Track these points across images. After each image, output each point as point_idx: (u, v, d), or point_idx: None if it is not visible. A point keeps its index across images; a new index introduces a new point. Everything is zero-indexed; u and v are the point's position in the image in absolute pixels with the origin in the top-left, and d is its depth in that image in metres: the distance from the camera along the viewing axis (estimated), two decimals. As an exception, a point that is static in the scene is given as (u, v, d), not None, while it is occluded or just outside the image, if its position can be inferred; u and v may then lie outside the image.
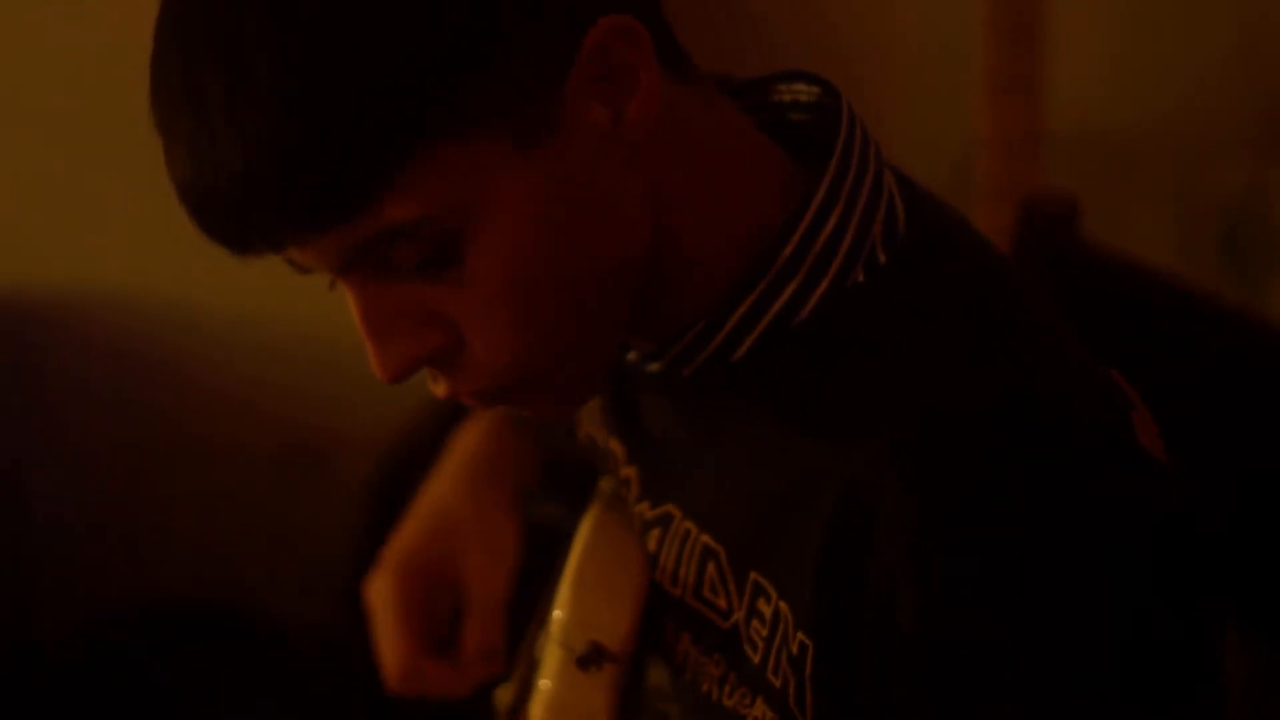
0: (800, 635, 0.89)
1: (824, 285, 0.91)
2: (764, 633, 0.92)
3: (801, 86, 0.99)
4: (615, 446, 1.06)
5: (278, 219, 0.83)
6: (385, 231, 0.83)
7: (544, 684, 1.02)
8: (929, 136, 2.05)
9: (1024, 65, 1.84)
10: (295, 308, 2.28)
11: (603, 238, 0.89)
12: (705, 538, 0.96)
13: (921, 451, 0.85)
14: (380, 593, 1.15)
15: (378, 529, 1.21)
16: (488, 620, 1.15)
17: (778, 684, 0.90)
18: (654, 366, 0.97)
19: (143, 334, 2.30)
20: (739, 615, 0.94)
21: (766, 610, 0.91)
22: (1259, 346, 1.37)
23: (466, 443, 1.21)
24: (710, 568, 0.95)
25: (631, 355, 1.00)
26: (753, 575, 0.92)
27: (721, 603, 0.95)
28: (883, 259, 0.92)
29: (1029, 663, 0.83)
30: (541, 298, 0.87)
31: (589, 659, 0.99)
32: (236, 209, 0.83)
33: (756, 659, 0.92)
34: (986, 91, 1.86)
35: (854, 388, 0.89)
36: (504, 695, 1.15)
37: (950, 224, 0.97)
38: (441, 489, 1.19)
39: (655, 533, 1.00)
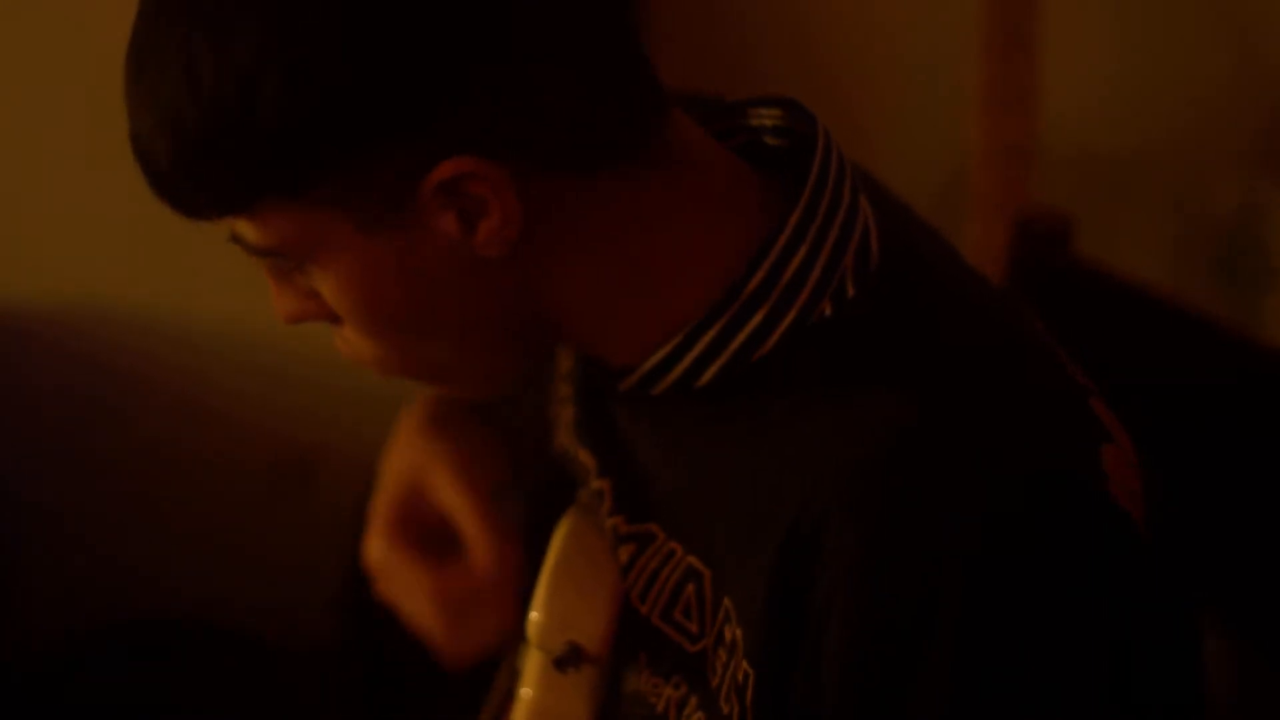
0: (744, 664, 0.90)
1: (789, 319, 0.91)
2: (724, 659, 0.92)
3: (778, 112, 0.99)
4: (586, 458, 1.06)
5: (172, 199, 0.91)
6: (241, 241, 0.92)
7: (524, 692, 1.03)
8: (922, 152, 2.05)
9: (1018, 81, 1.84)
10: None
11: (443, 310, 0.93)
12: (692, 559, 0.96)
13: (864, 489, 0.85)
14: (379, 551, 1.16)
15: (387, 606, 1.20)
16: (482, 528, 1.13)
17: (726, 710, 0.91)
18: (626, 383, 0.98)
19: (134, 348, 2.29)
20: (708, 641, 0.94)
21: (728, 636, 0.92)
22: (1254, 365, 1.37)
23: (420, 409, 1.21)
24: (690, 589, 0.95)
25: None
26: (725, 601, 0.92)
27: (693, 627, 0.95)
28: (852, 292, 0.92)
29: (956, 700, 0.83)
30: (380, 331, 0.94)
31: (567, 660, 1.00)
32: (161, 183, 0.91)
33: (714, 683, 0.93)
34: (980, 107, 1.86)
35: (810, 423, 0.90)
36: (486, 713, 1.15)
37: (928, 253, 0.96)
38: (402, 446, 1.20)
39: (629, 548, 1.00)
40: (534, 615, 1.01)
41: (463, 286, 0.92)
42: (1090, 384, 0.94)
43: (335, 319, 0.95)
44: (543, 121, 0.88)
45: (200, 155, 0.87)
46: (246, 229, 0.91)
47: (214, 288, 2.26)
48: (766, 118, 0.99)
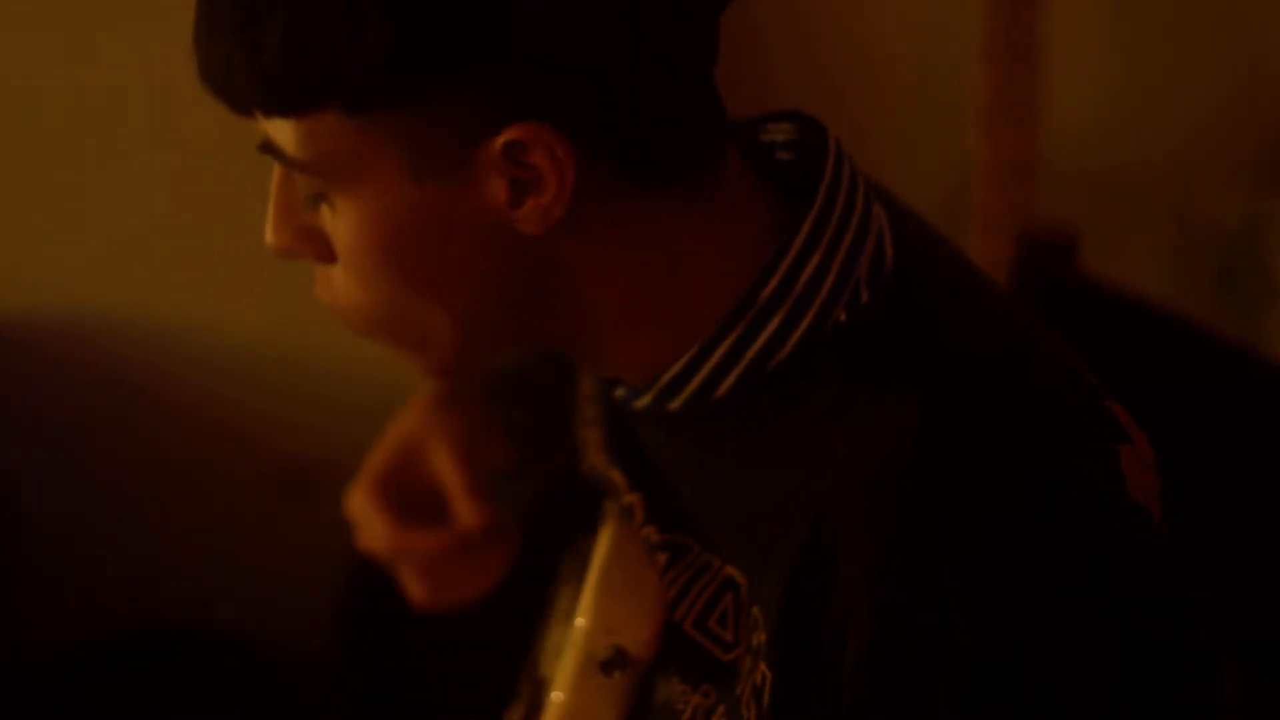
0: (763, 666, 0.90)
1: (804, 326, 0.92)
2: (749, 664, 0.93)
3: (788, 126, 0.99)
4: (616, 476, 1.06)
5: (230, 89, 0.89)
6: (274, 148, 0.90)
7: (556, 696, 1.03)
8: (924, 165, 2.05)
9: (1021, 95, 1.84)
10: (291, 335, 2.28)
11: (456, 275, 0.92)
12: (730, 570, 0.96)
13: (879, 495, 0.86)
14: (359, 501, 1.18)
15: (370, 557, 1.21)
16: (467, 488, 1.15)
17: (746, 715, 0.91)
18: (640, 403, 0.98)
19: (136, 359, 2.29)
20: (740, 650, 0.94)
21: (755, 643, 0.92)
22: (1256, 379, 1.37)
23: (434, 388, 1.22)
24: (728, 599, 0.96)
25: (619, 392, 1.01)
26: (754, 609, 0.93)
27: (728, 636, 0.95)
28: (866, 298, 0.92)
29: (974, 703, 0.83)
30: (381, 281, 0.92)
31: (612, 663, 1.00)
32: (218, 67, 0.89)
33: (738, 690, 0.93)
34: (982, 121, 1.86)
35: (826, 429, 0.90)
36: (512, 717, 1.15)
37: (941, 260, 0.97)
38: (403, 420, 1.21)
39: (663, 556, 1.01)
40: (580, 621, 1.01)
41: (486, 257, 0.91)
42: (1102, 387, 0.94)
43: (326, 259, 0.94)
44: (629, 117, 0.88)
45: (293, 40, 0.85)
46: (289, 135, 0.89)
47: (217, 300, 2.27)
48: (777, 133, 1.00)
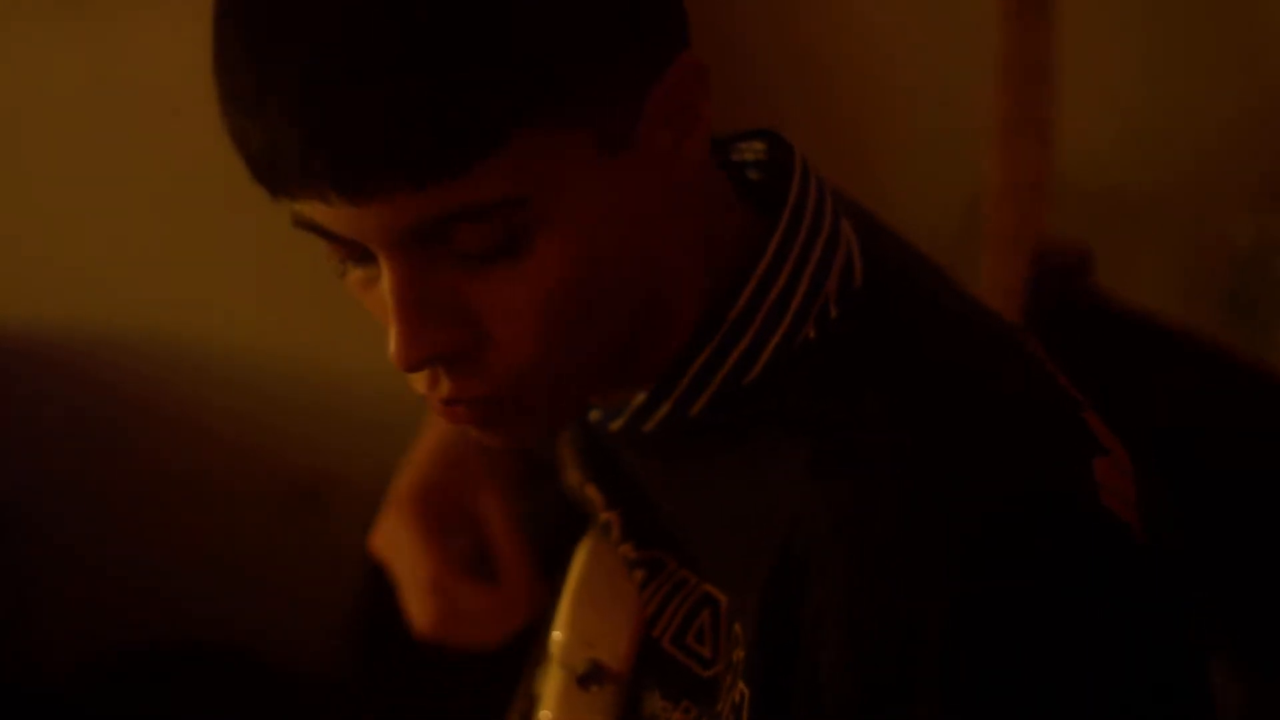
0: (741, 684, 0.90)
1: (773, 344, 0.92)
2: (729, 681, 0.93)
3: (759, 145, 1.00)
4: (593, 493, 1.07)
5: (384, 164, 0.80)
6: (471, 206, 0.82)
7: (544, 715, 1.03)
8: (938, 185, 2.05)
9: (1034, 113, 1.84)
10: (305, 351, 2.29)
11: (634, 265, 0.89)
12: (708, 587, 0.96)
13: (850, 508, 0.86)
14: (392, 532, 1.14)
15: (384, 574, 1.21)
16: (516, 540, 1.12)
17: None
18: (615, 424, 0.98)
19: (149, 375, 2.30)
20: (720, 667, 0.94)
21: (735, 659, 0.92)
22: (1268, 398, 1.37)
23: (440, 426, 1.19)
24: (705, 615, 0.96)
25: (594, 414, 1.01)
26: (735, 626, 0.93)
27: (706, 652, 0.96)
28: (835, 314, 0.92)
29: (941, 715, 0.82)
30: (578, 304, 0.87)
31: (590, 677, 1.00)
32: (344, 148, 0.80)
33: (719, 707, 0.93)
34: (997, 140, 1.86)
35: (797, 445, 0.90)
36: None
37: (913, 274, 0.97)
38: (434, 438, 1.18)
39: (640, 573, 1.01)
40: (556, 634, 1.01)
41: (656, 225, 0.89)
42: (1082, 397, 0.94)
43: (470, 344, 0.87)
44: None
45: (458, 89, 0.79)
46: (487, 179, 0.81)
47: (229, 316, 2.27)
48: (748, 151, 1.00)
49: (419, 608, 1.12)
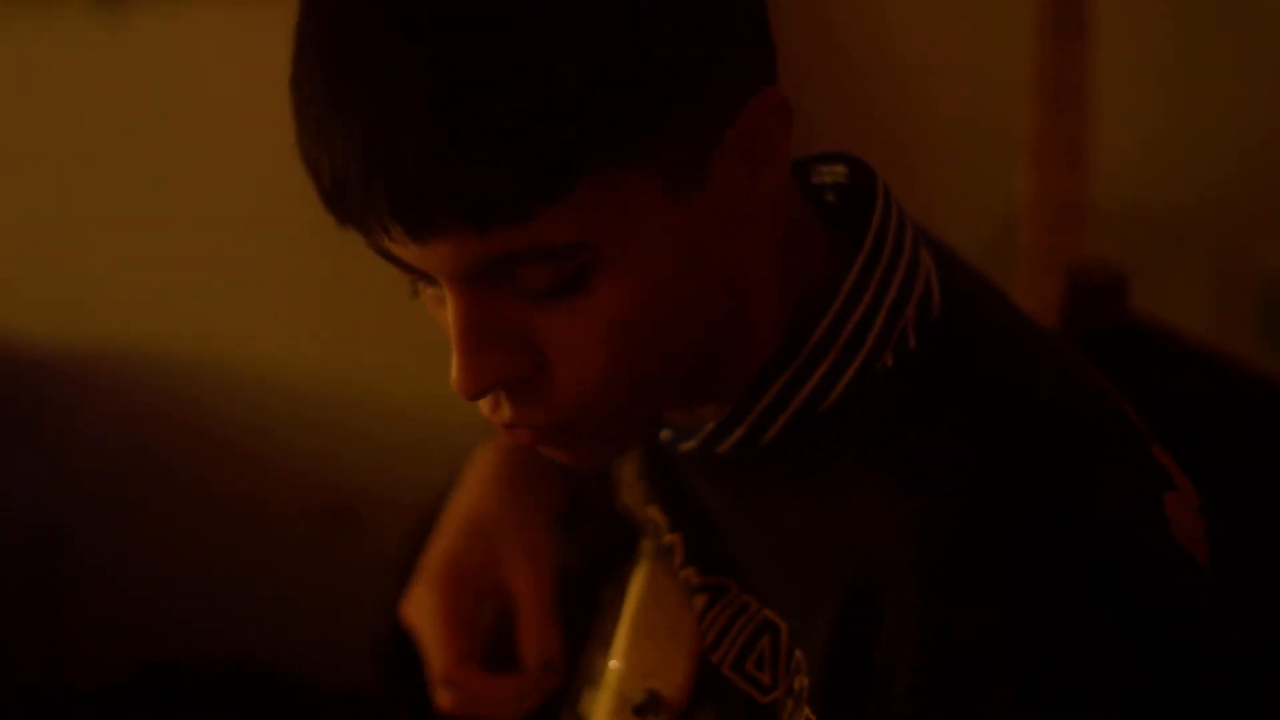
0: (807, 709, 0.89)
1: (851, 371, 0.92)
2: (790, 708, 0.92)
3: (839, 168, 0.99)
4: (656, 514, 1.06)
5: (446, 207, 0.81)
6: (534, 249, 0.82)
7: None
8: (973, 206, 2.05)
9: (1068, 134, 1.84)
10: (340, 371, 2.29)
11: (711, 298, 0.89)
12: (769, 612, 0.96)
13: (926, 540, 0.85)
14: (421, 605, 1.14)
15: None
16: (544, 625, 1.12)
17: None
18: (687, 446, 0.98)
19: (183, 394, 2.30)
20: (779, 693, 0.94)
21: (797, 686, 0.92)
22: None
23: (491, 457, 1.19)
24: (764, 641, 0.95)
25: (665, 434, 1.01)
26: (797, 653, 0.92)
27: (765, 678, 0.95)
28: (913, 344, 0.92)
29: None
30: (641, 339, 0.87)
31: (646, 708, 0.99)
32: (407, 190, 0.80)
33: None
34: (1031, 161, 1.86)
35: (873, 474, 0.89)
36: None
37: (989, 305, 0.97)
38: (472, 498, 1.18)
39: (702, 598, 1.00)
40: (614, 664, 1.01)
41: (729, 260, 0.89)
42: (1150, 432, 0.93)
43: (534, 373, 0.88)
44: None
45: (524, 137, 0.79)
46: (551, 224, 0.82)
47: (263, 336, 2.28)
48: (828, 174, 1.00)
49: (436, 691, 1.13)
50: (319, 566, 2.33)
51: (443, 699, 1.12)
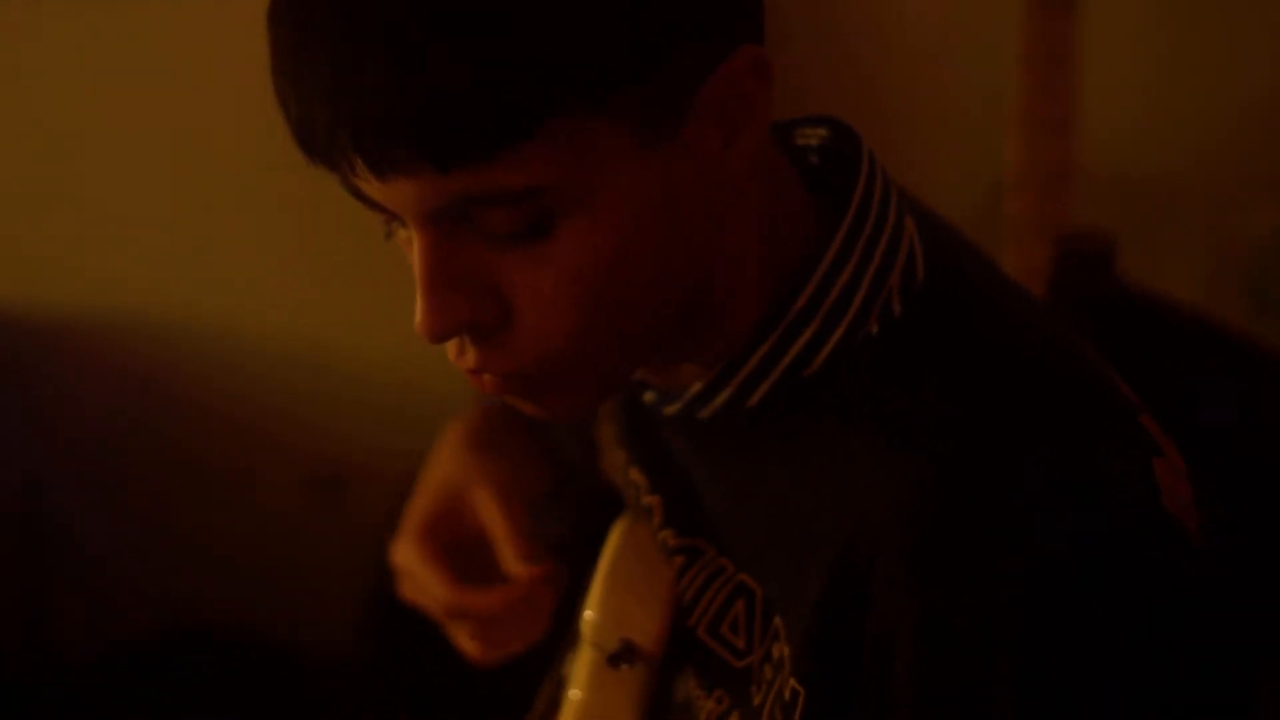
0: (793, 681, 0.89)
1: (836, 337, 0.91)
2: (769, 676, 0.92)
3: (823, 131, 0.99)
4: (637, 476, 1.06)
5: (408, 144, 0.80)
6: (494, 191, 0.82)
7: (573, 694, 1.03)
8: (961, 173, 2.05)
9: (1057, 103, 1.84)
10: (326, 339, 2.29)
11: (678, 253, 0.88)
12: (743, 576, 0.95)
13: (917, 510, 0.85)
14: (406, 555, 1.13)
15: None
16: (519, 539, 1.11)
17: None
18: (671, 409, 0.98)
19: (168, 362, 2.30)
20: (754, 658, 0.94)
21: (776, 654, 0.92)
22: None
23: (464, 427, 1.19)
24: (739, 605, 0.95)
25: (649, 396, 1.00)
26: (775, 619, 0.92)
27: (740, 642, 0.95)
28: (898, 310, 0.92)
29: (1022, 715, 0.82)
30: (609, 291, 0.86)
31: (620, 656, 1.00)
32: (370, 126, 0.80)
33: (757, 700, 0.93)
34: (1019, 129, 1.86)
35: (859, 442, 0.89)
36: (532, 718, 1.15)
37: (975, 271, 0.96)
38: (444, 465, 1.17)
39: (678, 560, 1.00)
40: (588, 613, 1.01)
41: (698, 217, 0.88)
42: (1137, 399, 0.93)
43: (498, 319, 0.87)
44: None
45: (486, 77, 0.79)
46: (514, 166, 0.81)
47: (248, 303, 2.27)
48: (812, 137, 0.99)
49: (457, 639, 1.12)
50: (306, 537, 2.34)
51: (466, 643, 1.11)
